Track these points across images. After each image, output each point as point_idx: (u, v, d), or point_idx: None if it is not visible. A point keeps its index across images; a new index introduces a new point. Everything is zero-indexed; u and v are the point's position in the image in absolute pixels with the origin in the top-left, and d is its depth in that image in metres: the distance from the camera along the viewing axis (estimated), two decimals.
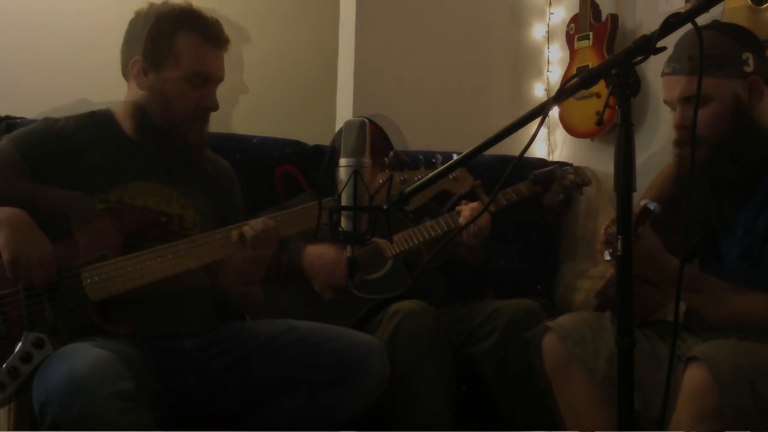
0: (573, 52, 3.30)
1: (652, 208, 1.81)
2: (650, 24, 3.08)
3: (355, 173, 1.33)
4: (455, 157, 1.39)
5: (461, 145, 1.54)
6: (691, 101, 1.93)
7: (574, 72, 3.17)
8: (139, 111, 2.01)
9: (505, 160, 3.04)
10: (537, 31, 3.59)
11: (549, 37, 3.56)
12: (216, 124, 2.12)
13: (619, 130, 1.29)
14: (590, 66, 3.16)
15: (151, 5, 2.03)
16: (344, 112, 3.31)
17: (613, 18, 3.17)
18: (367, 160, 1.35)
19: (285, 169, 2.92)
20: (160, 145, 2.01)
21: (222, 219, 2.09)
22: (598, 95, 3.14)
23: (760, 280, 1.89)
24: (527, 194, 2.57)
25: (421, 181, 1.39)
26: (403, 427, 2.24)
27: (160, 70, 1.98)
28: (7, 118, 2.60)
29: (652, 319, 2.11)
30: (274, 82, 3.78)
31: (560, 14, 3.53)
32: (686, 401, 1.71)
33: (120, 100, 2.07)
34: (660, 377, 1.89)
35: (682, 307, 2.03)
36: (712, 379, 1.65)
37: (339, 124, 3.30)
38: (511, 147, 1.91)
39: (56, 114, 2.09)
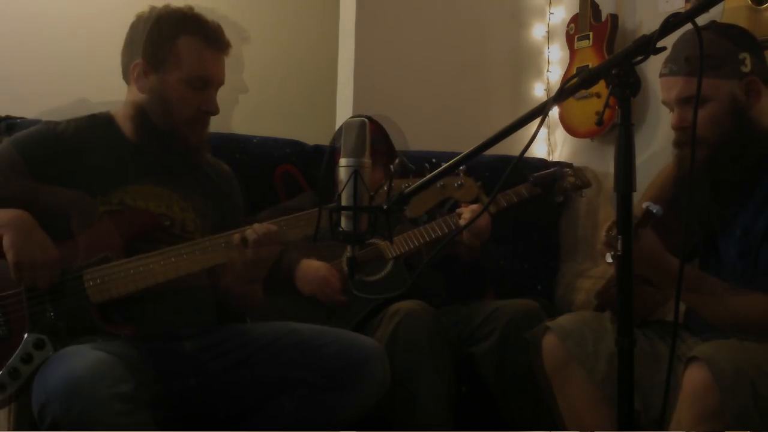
0: (573, 52, 3.30)
1: (654, 210, 1.81)
2: (650, 24, 3.08)
3: (355, 173, 1.33)
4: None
5: (461, 145, 1.54)
6: (689, 102, 1.93)
7: (574, 72, 3.19)
8: (139, 114, 2.01)
9: (505, 160, 3.03)
10: (537, 31, 3.59)
11: (549, 37, 3.56)
12: (216, 124, 2.12)
13: (619, 130, 1.29)
14: (590, 66, 3.16)
15: (152, 8, 2.02)
16: (344, 112, 3.31)
17: (613, 18, 3.17)
18: (367, 160, 1.35)
19: (285, 169, 2.92)
20: (160, 148, 2.01)
21: (222, 222, 2.09)
22: (598, 95, 3.13)
23: (760, 280, 1.89)
24: (527, 196, 2.57)
25: (421, 181, 1.39)
26: (403, 427, 2.24)
27: (160, 73, 1.98)
28: (7, 118, 2.60)
29: (652, 319, 2.11)
30: (274, 82, 3.79)
31: (560, 14, 3.53)
32: (686, 401, 1.71)
33: (119, 100, 2.07)
34: (660, 377, 1.89)
35: (682, 307, 2.03)
36: (713, 380, 1.65)
37: (339, 124, 3.30)
38: (511, 147, 1.91)
39: (56, 114, 2.10)
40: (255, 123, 3.40)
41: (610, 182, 1.69)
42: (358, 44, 3.29)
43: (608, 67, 1.30)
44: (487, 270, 2.69)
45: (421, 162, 2.82)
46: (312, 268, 2.44)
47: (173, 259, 1.90)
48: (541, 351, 2.08)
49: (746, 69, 1.91)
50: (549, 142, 3.55)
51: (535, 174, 2.60)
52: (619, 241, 1.28)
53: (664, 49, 1.29)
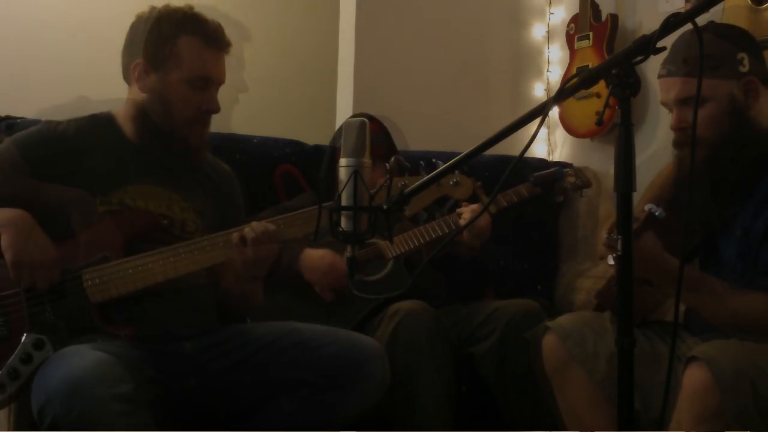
0: (573, 52, 3.30)
1: (656, 213, 1.81)
2: (650, 24, 3.08)
3: (355, 173, 1.33)
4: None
5: (461, 145, 1.54)
6: (687, 103, 1.93)
7: (574, 72, 3.19)
8: (140, 113, 2.01)
9: (505, 160, 3.03)
10: (537, 31, 3.59)
11: (549, 37, 3.56)
12: (216, 124, 2.12)
13: (619, 130, 1.29)
14: (590, 66, 3.16)
15: (153, 8, 2.03)
16: (344, 112, 3.31)
17: (613, 18, 3.17)
18: (367, 160, 1.35)
19: (285, 169, 2.92)
20: (161, 148, 2.01)
21: (222, 222, 2.09)
22: (598, 95, 3.14)
23: (760, 279, 1.89)
24: (527, 196, 2.57)
25: (421, 181, 1.39)
26: (403, 427, 2.24)
27: (161, 73, 1.98)
28: (7, 118, 2.60)
29: (652, 319, 2.11)
30: (274, 82, 3.79)
31: (560, 14, 3.53)
32: (686, 401, 1.71)
33: (120, 98, 2.07)
34: (660, 377, 1.89)
35: (682, 307, 2.03)
36: (713, 380, 1.65)
37: (339, 124, 3.30)
38: (511, 147, 1.91)
39: (56, 113, 2.10)
40: (255, 123, 3.40)
41: (610, 182, 1.69)
42: (358, 44, 3.29)
43: (608, 67, 1.30)
44: (487, 270, 2.69)
45: (417, 163, 2.82)
46: (317, 256, 2.43)
47: (172, 259, 1.89)
48: (541, 351, 2.08)
49: (744, 69, 1.91)
50: (549, 142, 3.55)
51: (535, 174, 2.60)
52: (619, 242, 1.28)
53: (664, 49, 1.29)
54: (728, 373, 1.65)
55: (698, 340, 1.93)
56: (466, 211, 2.42)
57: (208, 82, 2.00)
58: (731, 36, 1.96)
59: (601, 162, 3.24)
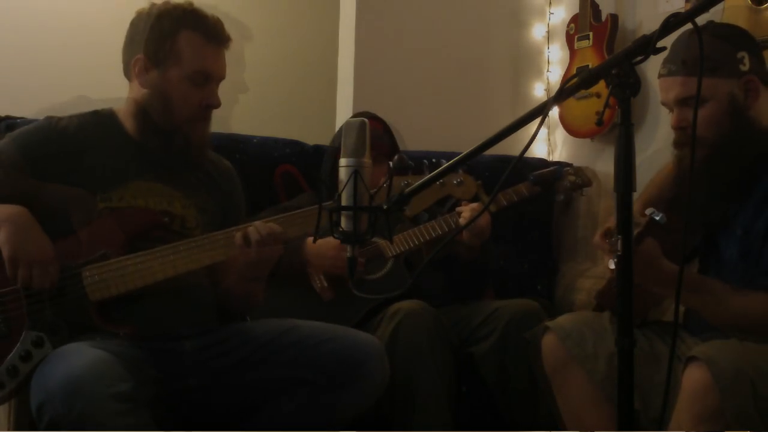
0: (573, 52, 3.30)
1: (658, 218, 1.81)
2: (650, 24, 3.08)
3: (355, 173, 1.33)
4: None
5: (461, 145, 1.54)
6: (687, 103, 1.93)
7: (574, 72, 3.17)
8: (141, 110, 2.01)
9: (505, 160, 3.03)
10: (537, 31, 3.59)
11: (549, 37, 3.56)
12: (216, 124, 2.12)
13: (619, 130, 1.29)
14: (590, 66, 3.16)
15: (153, 5, 2.03)
16: (344, 112, 3.31)
17: (613, 18, 3.17)
18: (367, 160, 1.35)
19: (285, 169, 2.92)
20: (162, 145, 2.01)
21: (223, 219, 2.09)
22: (598, 95, 3.13)
23: (761, 279, 1.89)
24: (528, 195, 2.57)
25: (421, 181, 1.39)
26: (403, 427, 2.24)
27: (161, 68, 1.98)
28: (7, 118, 2.60)
29: (652, 319, 2.11)
30: (274, 82, 3.79)
31: (560, 14, 3.53)
32: (686, 401, 1.71)
33: (120, 98, 2.07)
34: (660, 377, 1.89)
35: (682, 307, 2.03)
36: (713, 380, 1.65)
37: (339, 124, 3.30)
38: (511, 147, 1.91)
39: (56, 112, 2.09)
40: (255, 123, 3.40)
41: (610, 182, 1.69)
42: (358, 44, 3.29)
43: (608, 67, 1.30)
44: (487, 270, 2.69)
45: (420, 162, 2.82)
46: (322, 242, 2.40)
47: (172, 257, 1.89)
48: (541, 351, 2.08)
49: (745, 68, 1.91)
50: (549, 142, 3.55)
51: (535, 172, 2.60)
52: (619, 241, 1.28)
53: (664, 49, 1.29)
54: (728, 373, 1.65)
55: (698, 340, 1.93)
56: (466, 210, 2.41)
57: (209, 78, 2.00)
58: (731, 35, 1.96)
59: (601, 162, 3.24)
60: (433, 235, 2.47)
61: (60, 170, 1.94)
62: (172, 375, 1.90)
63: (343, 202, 1.34)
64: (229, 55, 2.07)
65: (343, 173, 1.34)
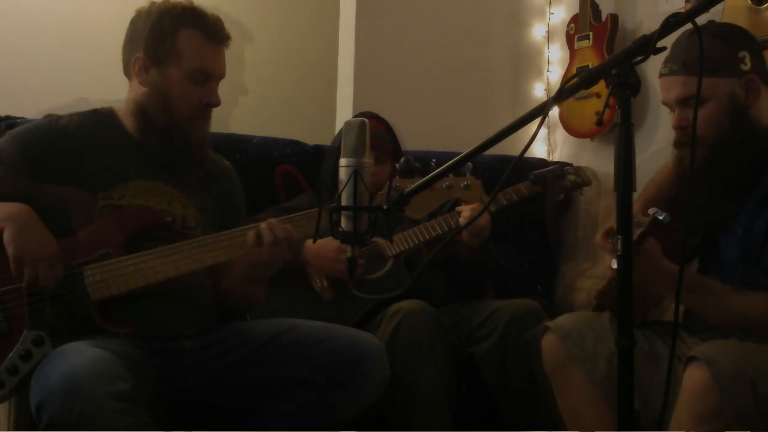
0: (573, 52, 3.30)
1: (661, 218, 1.80)
2: (650, 24, 3.08)
3: (355, 173, 1.33)
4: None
5: (461, 145, 1.54)
6: (688, 102, 1.93)
7: (574, 72, 3.18)
8: (141, 109, 2.01)
9: (505, 160, 3.03)
10: (537, 31, 3.59)
11: (549, 37, 3.56)
12: (216, 124, 2.12)
13: (619, 130, 1.29)
14: (590, 66, 3.17)
15: (152, 3, 2.03)
16: (344, 112, 3.31)
17: (613, 18, 3.17)
18: (367, 160, 1.35)
19: (285, 169, 2.92)
20: (162, 144, 2.00)
21: (223, 219, 2.09)
22: (598, 95, 3.14)
23: (761, 279, 1.89)
24: (527, 194, 2.57)
25: (421, 182, 1.39)
26: (403, 427, 2.24)
27: (161, 67, 1.98)
28: (7, 118, 2.60)
29: (651, 318, 2.11)
30: (274, 82, 3.79)
31: (560, 14, 3.53)
32: (686, 401, 1.71)
33: (119, 99, 2.07)
34: (660, 377, 1.89)
35: (682, 307, 2.03)
36: (713, 380, 1.65)
37: (339, 124, 3.30)
38: (511, 147, 1.91)
39: (56, 113, 2.09)
40: (255, 123, 3.40)
41: (610, 182, 1.69)
42: (358, 44, 3.29)
43: (608, 67, 1.30)
44: (487, 270, 2.69)
45: (421, 162, 2.81)
46: (320, 243, 2.39)
47: (173, 257, 1.89)
48: (541, 351, 2.08)
49: (746, 67, 1.91)
50: (549, 142, 3.55)
51: (535, 172, 2.59)
52: (619, 241, 1.28)
53: (664, 49, 1.29)
54: (728, 373, 1.65)
55: (698, 340, 1.93)
56: (466, 210, 2.41)
57: (209, 76, 2.00)
58: (732, 35, 1.96)
59: (601, 162, 3.24)
60: (433, 234, 2.46)
61: (60, 169, 1.94)
62: (172, 374, 1.89)
63: (343, 202, 1.34)
64: (229, 56, 2.07)
65: (343, 173, 1.34)
